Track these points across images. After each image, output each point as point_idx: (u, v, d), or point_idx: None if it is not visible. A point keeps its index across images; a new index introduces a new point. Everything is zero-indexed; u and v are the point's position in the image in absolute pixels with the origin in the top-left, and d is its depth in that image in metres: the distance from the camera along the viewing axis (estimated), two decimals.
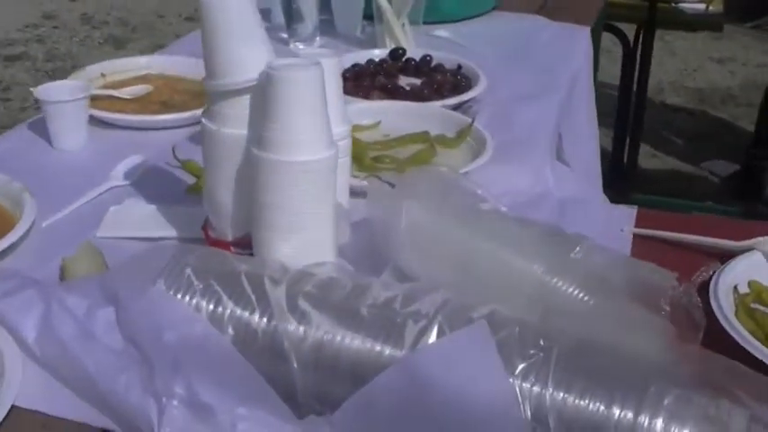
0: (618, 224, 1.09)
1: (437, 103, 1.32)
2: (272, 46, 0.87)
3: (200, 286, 0.74)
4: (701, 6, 2.94)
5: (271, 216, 0.82)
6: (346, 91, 1.38)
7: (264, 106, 0.81)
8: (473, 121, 1.24)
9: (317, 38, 1.63)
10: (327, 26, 1.68)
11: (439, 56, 1.50)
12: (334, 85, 0.91)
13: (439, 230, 0.87)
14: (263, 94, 0.81)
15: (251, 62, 0.84)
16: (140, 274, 0.77)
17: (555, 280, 0.82)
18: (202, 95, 0.93)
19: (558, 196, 1.16)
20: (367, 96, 1.36)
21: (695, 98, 4.21)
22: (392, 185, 0.91)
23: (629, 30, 2.92)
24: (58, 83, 1.25)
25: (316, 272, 0.75)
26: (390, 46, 1.56)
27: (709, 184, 3.44)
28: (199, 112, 0.92)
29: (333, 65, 0.92)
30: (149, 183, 1.13)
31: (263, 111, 0.81)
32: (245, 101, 0.85)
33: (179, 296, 0.74)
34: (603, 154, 1.68)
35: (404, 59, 1.51)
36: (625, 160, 3.11)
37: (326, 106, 0.82)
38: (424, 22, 1.64)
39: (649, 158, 3.51)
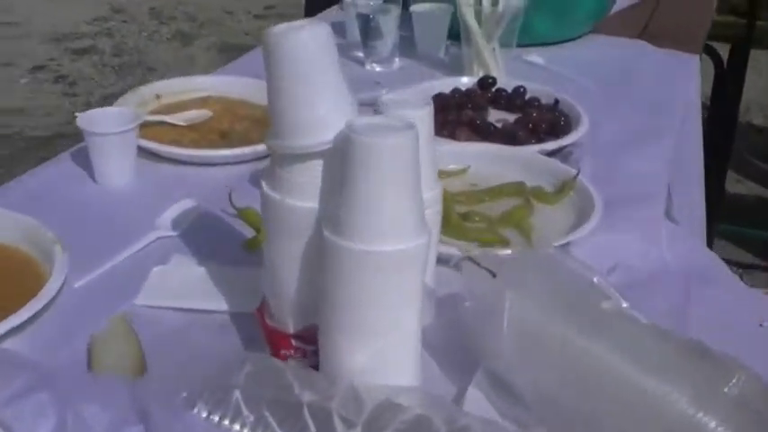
0: (754, 313, 0.89)
1: (533, 148, 1.13)
2: (353, 98, 0.69)
3: (251, 418, 0.57)
4: None
5: (343, 315, 0.65)
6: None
7: (342, 177, 0.63)
8: (578, 173, 1.05)
9: (396, 59, 1.46)
10: (407, 45, 1.50)
11: (534, 88, 1.31)
12: (427, 142, 0.73)
13: (550, 334, 0.69)
14: (340, 161, 0.64)
15: (327, 120, 0.66)
16: (178, 388, 0.60)
17: (701, 415, 0.63)
18: (266, 122, 0.79)
19: (675, 269, 0.97)
20: (453, 134, 1.18)
21: None
22: (493, 274, 0.73)
23: (721, 48, 2.69)
24: (105, 110, 1.09)
25: (398, 404, 0.57)
26: (478, 73, 1.37)
27: None
28: (261, 147, 0.74)
29: (425, 118, 0.75)
30: (201, 234, 0.97)
31: (340, 183, 0.63)
32: (316, 168, 0.67)
33: (224, 424, 0.57)
34: None
35: (494, 89, 1.32)
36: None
37: (420, 179, 0.64)
38: (517, 46, 1.45)
39: (733, 184, 3.27)
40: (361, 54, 1.46)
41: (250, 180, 1.07)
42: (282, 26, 0.67)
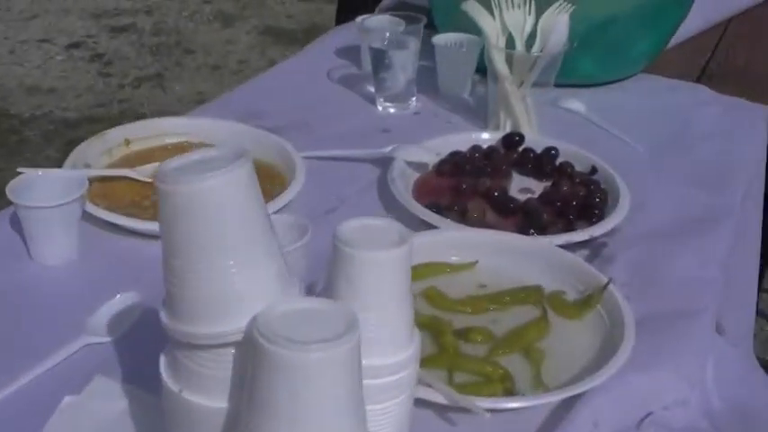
0: None
1: (558, 239, 0.92)
2: (283, 265, 0.48)
3: None
4: None
5: None
6: (438, 194, 1.01)
7: (252, 380, 0.43)
8: (609, 282, 0.83)
9: (413, 98, 1.24)
10: (428, 79, 1.28)
11: (568, 149, 1.09)
12: (398, 290, 0.54)
13: None
14: (251, 357, 0.44)
15: (242, 299, 0.46)
16: None
17: None
18: None
19: (724, 420, 0.76)
20: (464, 209, 0.97)
21: None
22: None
23: None
24: (46, 173, 0.89)
25: None
26: (505, 125, 1.16)
27: None
28: None
29: (395, 262, 0.55)
30: (140, 343, 0.77)
31: (252, 388, 0.43)
32: (225, 359, 0.47)
33: None
34: None
35: (520, 149, 1.10)
36: None
37: (361, 391, 0.44)
38: (556, 85, 1.22)
39: None
40: (372, 89, 1.24)
41: None
42: (183, 162, 0.47)
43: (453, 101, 1.26)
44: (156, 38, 3.87)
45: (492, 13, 1.13)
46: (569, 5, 1.13)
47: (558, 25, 1.10)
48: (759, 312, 2.54)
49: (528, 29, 1.14)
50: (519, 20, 1.14)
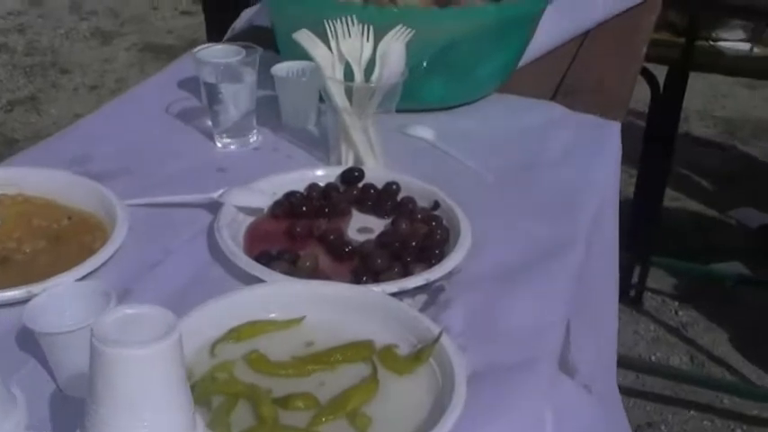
0: None
1: (391, 286, 0.86)
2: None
3: None
4: (745, 47, 2.44)
5: None
6: (271, 240, 0.94)
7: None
8: (440, 334, 0.77)
9: (254, 132, 1.17)
10: (274, 109, 1.21)
11: (411, 184, 1.03)
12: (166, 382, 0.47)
13: None
14: None
15: None
16: None
17: None
18: (67, 237, 0.76)
19: None
20: (296, 257, 0.90)
21: (724, 130, 3.70)
22: None
23: (657, 70, 2.42)
24: None
25: None
26: (347, 159, 1.09)
27: (737, 236, 2.96)
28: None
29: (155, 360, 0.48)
30: None
31: None
32: None
33: None
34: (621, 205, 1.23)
35: (361, 185, 1.04)
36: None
37: None
38: (404, 111, 1.17)
39: (671, 201, 3.02)
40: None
41: (17, 340, 0.78)
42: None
43: (296, 134, 1.19)
44: (29, 58, 3.70)
45: (328, 42, 1.07)
46: (407, 31, 1.07)
47: (393, 54, 1.05)
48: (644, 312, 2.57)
49: (366, 56, 1.08)
50: (356, 48, 1.08)
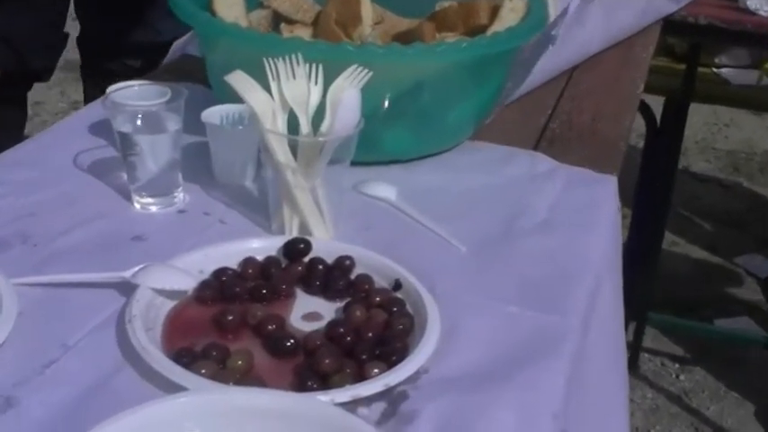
0: None
1: (343, 393, 0.78)
2: None
3: None
4: (752, 75, 2.42)
5: None
6: (195, 332, 0.87)
7: None
8: None
9: (179, 189, 1.09)
10: (203, 163, 1.14)
11: (368, 258, 0.96)
12: None
13: None
14: None
15: None
16: None
17: None
18: None
19: None
20: (224, 355, 0.83)
21: (727, 164, 3.69)
22: None
23: (653, 100, 2.38)
24: None
25: None
26: (293, 226, 1.02)
27: (745, 287, 2.93)
28: None
29: None
30: None
31: None
32: None
33: None
34: None
35: (307, 260, 0.97)
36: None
37: None
38: (362, 164, 1.10)
39: (669, 246, 2.99)
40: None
41: None
42: None
43: (231, 192, 1.11)
44: None
45: (267, 86, 1.00)
46: (364, 72, 1.01)
47: (347, 100, 0.98)
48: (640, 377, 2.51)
49: (314, 103, 1.02)
50: (302, 93, 1.01)
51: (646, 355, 2.61)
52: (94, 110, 1.29)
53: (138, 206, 1.08)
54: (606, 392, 1.03)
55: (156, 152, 1.04)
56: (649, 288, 2.51)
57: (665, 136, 2.44)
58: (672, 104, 2.43)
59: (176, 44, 1.54)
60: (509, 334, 0.89)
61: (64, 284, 0.92)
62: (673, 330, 2.67)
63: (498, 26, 1.19)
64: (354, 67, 1.01)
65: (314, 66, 1.01)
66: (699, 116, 3.82)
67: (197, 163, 1.14)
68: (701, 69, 2.28)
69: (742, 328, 2.67)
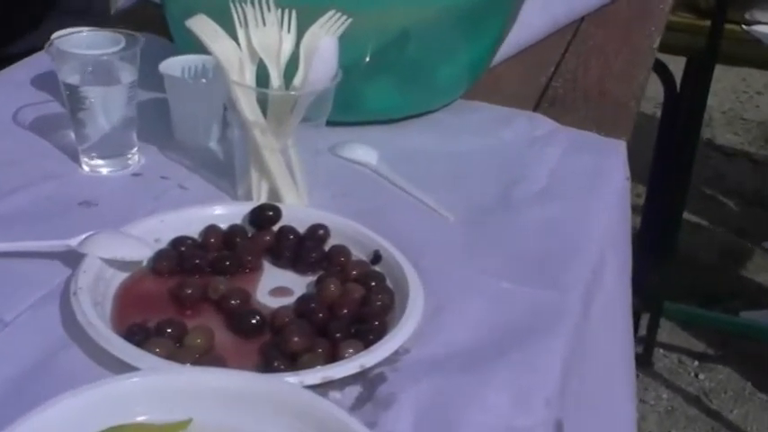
0: None
1: (313, 375, 0.80)
2: None
3: None
4: None
5: None
6: (149, 307, 0.89)
7: None
8: None
9: (132, 151, 1.11)
10: (163, 120, 1.16)
11: (344, 227, 0.99)
12: None
13: None
14: None
15: None
16: None
17: None
18: None
19: None
20: (182, 333, 0.85)
21: (758, 136, 3.72)
22: None
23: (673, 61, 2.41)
24: None
25: None
26: (261, 191, 1.04)
27: None
28: None
29: None
30: None
31: None
32: None
33: None
34: None
35: (276, 228, 0.99)
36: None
37: None
38: (341, 124, 1.12)
39: (689, 229, 3.02)
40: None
41: None
42: None
43: (192, 154, 1.14)
44: None
45: (234, 34, 1.01)
46: (342, 18, 1.02)
47: (323, 50, 1.00)
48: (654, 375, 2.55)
49: (287, 53, 1.04)
50: (273, 41, 1.03)
51: (661, 350, 2.65)
52: (38, 60, 1.30)
53: (86, 168, 1.10)
54: (610, 384, 1.05)
55: (107, 107, 1.06)
56: (666, 275, 2.55)
57: (686, 102, 2.47)
58: (694, 66, 2.46)
59: None
60: (501, 312, 0.92)
61: (2, 254, 0.94)
62: (692, 323, 2.71)
63: None
64: (332, 12, 1.03)
65: (286, 11, 1.03)
66: (726, 81, 3.86)
67: (154, 121, 1.16)
68: (728, 26, 2.30)
69: None
